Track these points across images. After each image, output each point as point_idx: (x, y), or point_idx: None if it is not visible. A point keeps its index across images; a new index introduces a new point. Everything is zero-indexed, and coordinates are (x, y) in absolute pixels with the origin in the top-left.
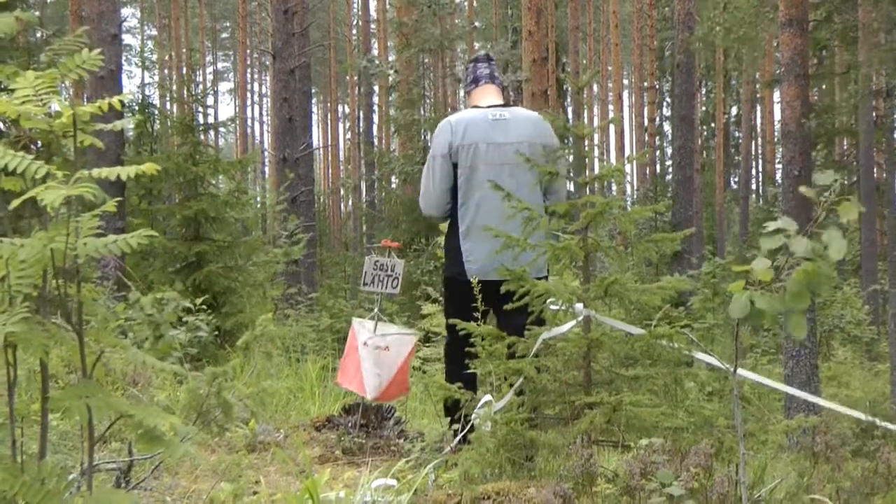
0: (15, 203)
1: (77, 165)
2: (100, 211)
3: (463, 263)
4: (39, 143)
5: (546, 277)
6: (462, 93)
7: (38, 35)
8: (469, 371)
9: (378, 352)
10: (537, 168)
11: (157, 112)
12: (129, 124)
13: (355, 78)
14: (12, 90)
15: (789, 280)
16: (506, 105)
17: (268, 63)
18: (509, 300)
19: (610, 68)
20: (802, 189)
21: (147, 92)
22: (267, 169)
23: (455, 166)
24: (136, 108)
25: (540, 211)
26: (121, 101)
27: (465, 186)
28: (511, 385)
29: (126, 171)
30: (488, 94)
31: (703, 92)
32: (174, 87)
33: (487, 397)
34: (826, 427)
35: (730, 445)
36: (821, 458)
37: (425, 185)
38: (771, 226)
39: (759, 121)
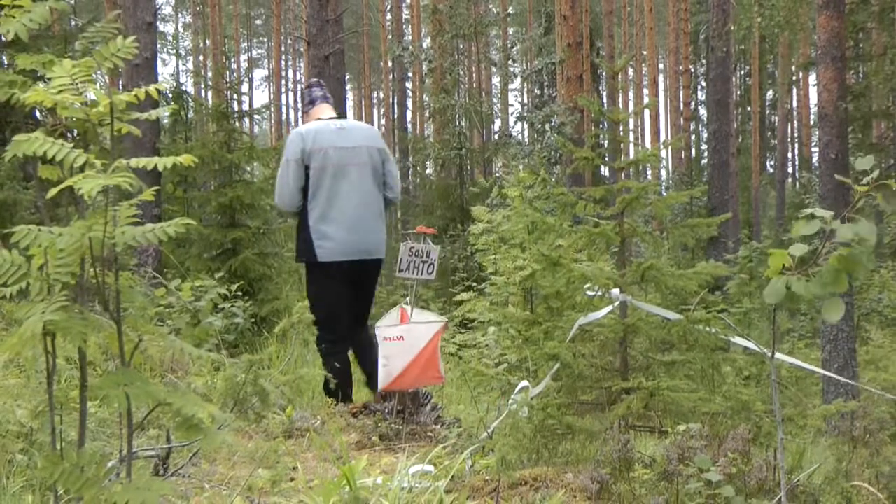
0: (53, 192)
1: (114, 154)
2: (138, 200)
3: (315, 249)
4: (76, 131)
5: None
6: (304, 110)
7: (73, 24)
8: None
9: (388, 342)
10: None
11: (191, 100)
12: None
13: (389, 64)
14: (49, 79)
15: (826, 265)
16: (340, 117)
17: (302, 50)
18: (365, 277)
19: (644, 52)
20: (838, 177)
21: (181, 79)
22: None
23: (307, 168)
24: (171, 95)
25: (381, 201)
26: (157, 90)
27: (316, 184)
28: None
29: (163, 162)
30: (326, 110)
31: (739, 75)
32: (209, 75)
33: (524, 383)
34: (864, 412)
35: (768, 430)
36: (859, 443)
37: (281, 185)
38: (805, 212)
39: (795, 104)
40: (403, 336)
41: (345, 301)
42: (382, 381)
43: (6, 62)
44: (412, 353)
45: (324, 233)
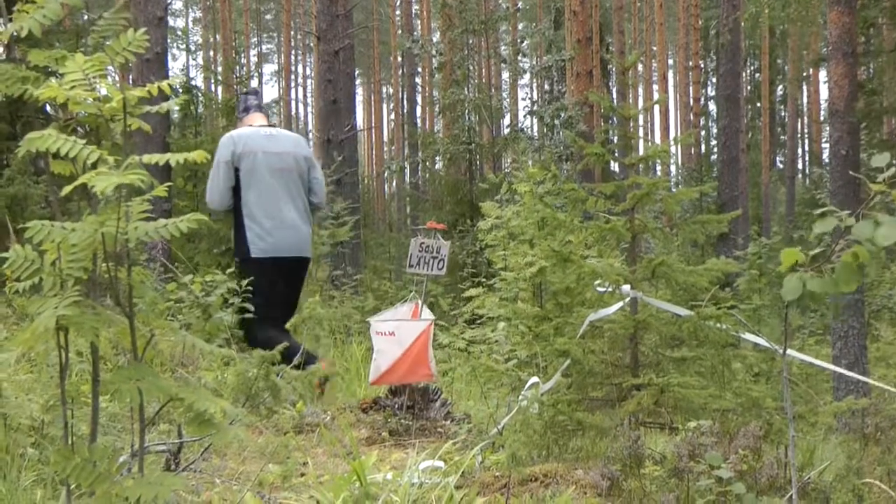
0: (67, 189)
1: (126, 150)
2: (150, 196)
3: (248, 246)
4: (87, 126)
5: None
6: (238, 116)
7: (85, 18)
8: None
9: (380, 336)
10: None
11: (201, 94)
12: (174, 106)
13: (399, 59)
14: (61, 74)
15: (839, 262)
16: (271, 125)
17: (312, 45)
18: (293, 274)
19: (654, 48)
20: (852, 173)
21: (192, 74)
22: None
23: (237, 170)
24: (182, 90)
25: (307, 205)
26: (168, 85)
27: (246, 185)
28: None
29: (175, 158)
30: (258, 118)
31: (749, 71)
32: (219, 70)
33: (534, 379)
34: (876, 408)
35: (778, 427)
36: (870, 440)
37: (211, 185)
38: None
39: (805, 100)
40: (395, 332)
41: (279, 293)
42: (373, 375)
43: (19, 57)
44: (402, 349)
45: (256, 232)
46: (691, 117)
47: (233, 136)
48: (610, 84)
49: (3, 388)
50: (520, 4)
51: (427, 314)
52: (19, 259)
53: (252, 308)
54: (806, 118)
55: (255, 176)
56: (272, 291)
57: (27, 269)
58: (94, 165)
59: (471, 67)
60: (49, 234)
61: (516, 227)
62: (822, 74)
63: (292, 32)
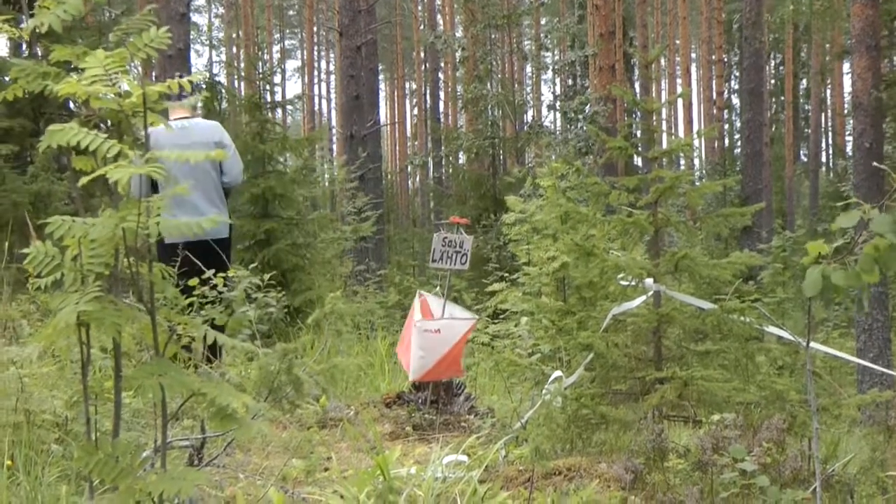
0: (84, 181)
1: (146, 145)
2: (171, 191)
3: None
4: (109, 122)
5: (229, 238)
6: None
7: (107, 15)
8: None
9: (427, 334)
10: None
11: (224, 90)
12: (197, 102)
13: (422, 55)
14: (82, 70)
15: (861, 255)
16: (192, 117)
17: (334, 40)
18: (207, 253)
19: (678, 42)
20: (876, 164)
21: (214, 70)
22: (334, 146)
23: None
24: (205, 86)
25: (219, 187)
26: (189, 81)
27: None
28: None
29: (196, 156)
30: (177, 111)
31: (773, 64)
32: (241, 66)
33: (558, 373)
34: None
35: (802, 420)
36: (895, 433)
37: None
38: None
39: (828, 93)
40: (441, 329)
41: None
42: (417, 372)
43: (40, 53)
44: (447, 347)
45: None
46: (714, 111)
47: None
48: (633, 78)
49: (26, 385)
50: None
51: (465, 312)
52: (40, 255)
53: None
54: (829, 111)
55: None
56: (189, 275)
57: (48, 265)
58: (115, 159)
59: (494, 62)
60: (70, 230)
61: (540, 222)
62: (846, 67)
63: (315, 28)
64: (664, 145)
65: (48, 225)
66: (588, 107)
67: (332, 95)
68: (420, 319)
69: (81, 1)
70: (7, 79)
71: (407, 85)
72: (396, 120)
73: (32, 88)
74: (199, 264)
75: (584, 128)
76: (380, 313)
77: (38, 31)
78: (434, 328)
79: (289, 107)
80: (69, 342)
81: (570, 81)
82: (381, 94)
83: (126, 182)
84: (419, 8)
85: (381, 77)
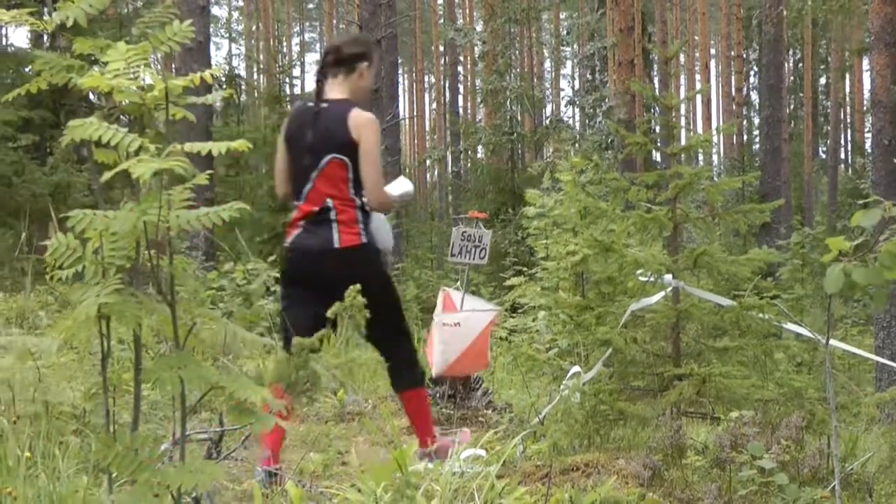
0: (106, 176)
1: (168, 138)
2: (191, 184)
3: None
4: (131, 115)
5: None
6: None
7: (128, 8)
8: None
9: (446, 328)
10: None
11: (244, 83)
12: (220, 97)
13: (441, 49)
14: (105, 63)
15: (881, 251)
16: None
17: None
18: None
19: (697, 37)
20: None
21: (234, 63)
22: None
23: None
24: (224, 79)
25: None
26: (210, 74)
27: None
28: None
29: (217, 147)
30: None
31: (792, 61)
32: (261, 59)
33: (576, 368)
34: None
35: (821, 418)
36: None
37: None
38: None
39: (848, 90)
40: (461, 323)
41: None
42: (439, 367)
43: (63, 46)
44: (468, 340)
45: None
46: (734, 107)
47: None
48: (652, 73)
49: (44, 376)
50: None
51: (487, 305)
52: (61, 247)
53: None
54: (849, 108)
55: None
56: None
57: (69, 257)
58: (136, 153)
59: (513, 57)
60: (91, 223)
61: (559, 216)
62: (865, 64)
63: (335, 21)
64: (683, 141)
65: (70, 218)
66: (606, 102)
67: None
68: (439, 314)
69: None
70: (29, 70)
71: (426, 79)
72: (416, 114)
73: (57, 81)
74: None
75: (604, 123)
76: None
77: (61, 24)
78: (453, 322)
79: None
80: (89, 334)
81: (589, 76)
82: (401, 88)
83: (148, 178)
84: (439, 2)
85: (400, 71)
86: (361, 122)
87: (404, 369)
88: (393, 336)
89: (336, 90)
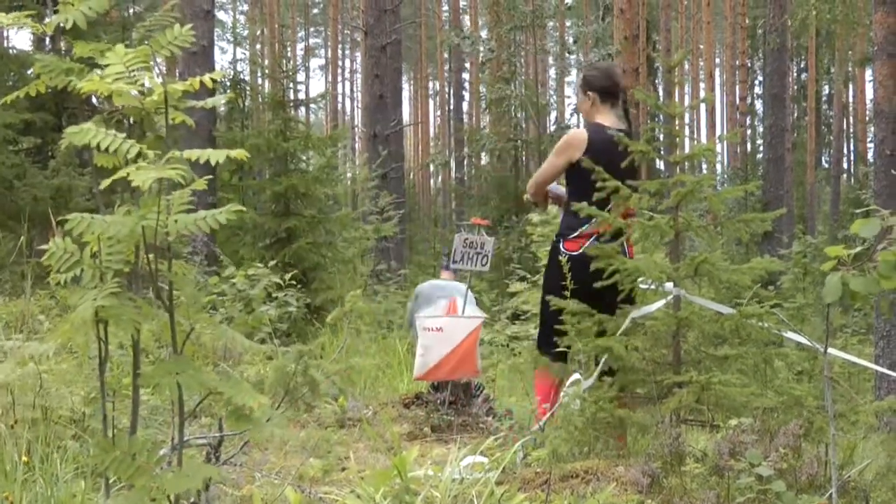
0: (106, 182)
1: (168, 142)
2: (191, 188)
3: None
4: (131, 119)
5: None
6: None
7: (131, 11)
8: None
9: (429, 332)
10: None
11: (248, 88)
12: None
13: (445, 55)
14: (104, 66)
15: (879, 260)
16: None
17: (359, 39)
18: None
19: (701, 46)
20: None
21: (238, 68)
22: (357, 145)
23: None
24: (228, 84)
25: None
26: (212, 78)
27: None
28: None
29: (216, 155)
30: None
31: (795, 70)
32: (265, 63)
33: (576, 375)
34: None
35: (819, 426)
36: None
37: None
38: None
39: (851, 99)
40: (443, 328)
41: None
42: (419, 369)
43: (64, 48)
44: (450, 346)
45: None
46: (737, 116)
47: None
48: (656, 82)
49: (43, 380)
50: (567, 1)
51: (477, 311)
52: (58, 251)
53: None
54: (852, 118)
55: None
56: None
57: (66, 261)
58: (135, 159)
59: (518, 64)
60: (89, 227)
61: None
62: (868, 74)
63: (339, 27)
64: (687, 149)
65: (68, 221)
66: None
67: (356, 94)
68: (420, 315)
69: None
70: (31, 73)
71: (431, 85)
72: (420, 120)
73: (56, 84)
74: None
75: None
76: (400, 313)
77: (62, 27)
78: (435, 326)
79: (312, 105)
80: (87, 338)
81: None
82: (405, 94)
83: (148, 185)
84: (444, 8)
85: (405, 77)
86: None
87: None
88: None
89: None
